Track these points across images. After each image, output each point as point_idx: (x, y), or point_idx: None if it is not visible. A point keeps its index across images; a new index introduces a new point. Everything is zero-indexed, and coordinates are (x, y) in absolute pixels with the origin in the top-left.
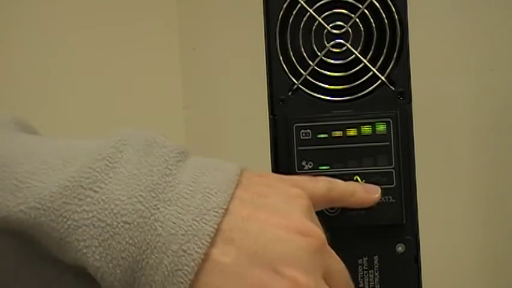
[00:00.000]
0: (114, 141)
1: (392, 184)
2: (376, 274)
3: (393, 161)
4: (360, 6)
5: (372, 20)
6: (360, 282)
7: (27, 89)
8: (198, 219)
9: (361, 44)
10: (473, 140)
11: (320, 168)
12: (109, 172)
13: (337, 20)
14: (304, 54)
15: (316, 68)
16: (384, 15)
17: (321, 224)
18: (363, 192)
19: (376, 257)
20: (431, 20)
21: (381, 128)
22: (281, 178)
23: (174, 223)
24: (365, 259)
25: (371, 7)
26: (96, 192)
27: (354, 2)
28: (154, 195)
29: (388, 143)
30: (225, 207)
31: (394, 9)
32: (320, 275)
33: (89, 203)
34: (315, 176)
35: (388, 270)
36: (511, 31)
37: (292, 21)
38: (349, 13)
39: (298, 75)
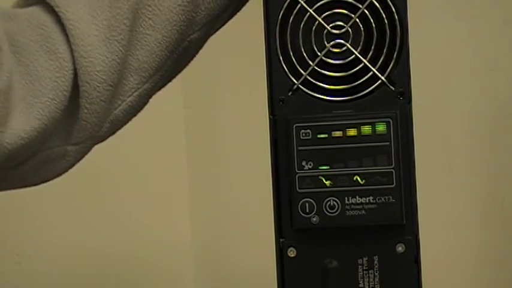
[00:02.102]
0: None
1: (392, 184)
2: (376, 274)
3: (393, 161)
4: (360, 6)
5: (372, 20)
6: (360, 282)
7: None
8: None
9: (361, 44)
10: (473, 139)
11: (320, 168)
12: None
13: (337, 20)
14: (304, 54)
15: (316, 68)
16: (384, 15)
17: (321, 224)
18: None
19: (376, 257)
20: (431, 20)
21: (381, 128)
22: None
23: None
24: (365, 259)
25: (371, 7)
26: None
27: (354, 2)
28: None
29: (388, 143)
30: None
31: (394, 9)
32: None
33: None
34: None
35: (388, 270)
36: (510, 31)
37: (292, 21)
38: (349, 13)
39: (298, 75)
